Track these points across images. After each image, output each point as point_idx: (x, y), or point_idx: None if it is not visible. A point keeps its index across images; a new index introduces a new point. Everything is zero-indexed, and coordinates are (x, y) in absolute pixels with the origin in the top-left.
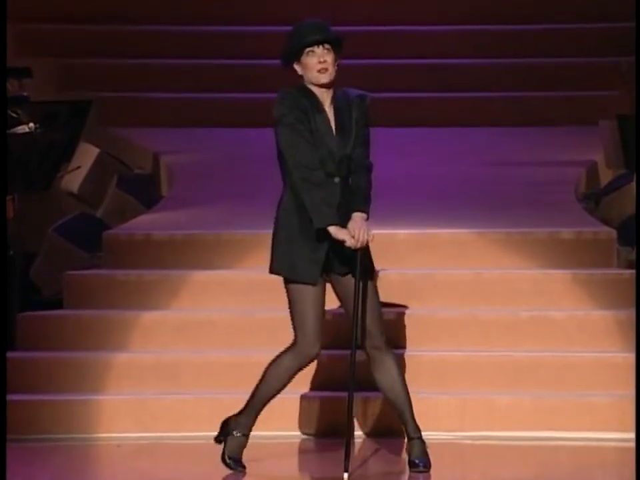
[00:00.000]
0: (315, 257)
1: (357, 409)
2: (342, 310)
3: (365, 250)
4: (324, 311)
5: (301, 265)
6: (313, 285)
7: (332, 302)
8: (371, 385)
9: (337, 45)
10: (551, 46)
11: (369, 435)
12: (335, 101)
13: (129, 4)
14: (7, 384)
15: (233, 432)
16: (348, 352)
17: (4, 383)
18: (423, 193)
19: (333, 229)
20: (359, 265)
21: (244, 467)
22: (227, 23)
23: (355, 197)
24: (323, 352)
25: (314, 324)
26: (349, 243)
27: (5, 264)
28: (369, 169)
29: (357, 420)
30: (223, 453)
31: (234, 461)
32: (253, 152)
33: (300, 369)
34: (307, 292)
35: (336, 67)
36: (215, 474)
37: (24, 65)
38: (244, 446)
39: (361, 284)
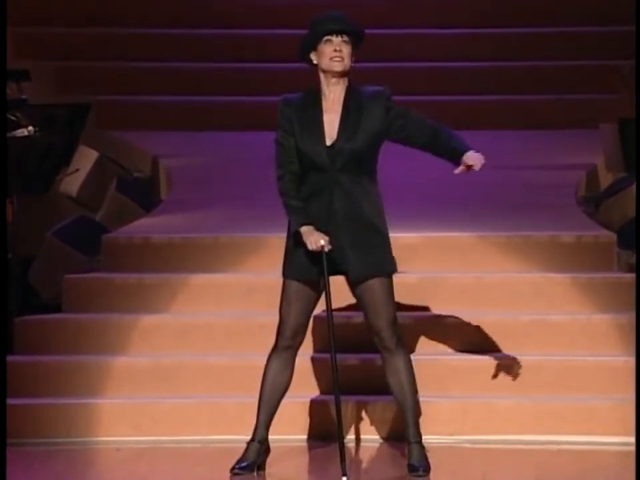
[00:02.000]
0: (299, 255)
1: (357, 413)
2: (344, 313)
3: (381, 251)
4: (309, 310)
5: (288, 261)
6: (294, 280)
7: (338, 304)
8: (370, 389)
9: (356, 38)
10: (552, 49)
11: (369, 439)
12: (348, 95)
13: (128, 7)
14: (5, 388)
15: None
16: (350, 355)
17: (4, 386)
18: (424, 196)
19: (302, 230)
20: (325, 265)
21: (251, 471)
22: (225, 27)
23: (452, 145)
24: (325, 355)
25: (293, 321)
26: (308, 246)
27: (6, 267)
28: (440, 128)
29: (358, 424)
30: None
31: (240, 467)
32: (252, 155)
33: (287, 365)
34: (291, 288)
35: (353, 61)
36: (213, 477)
37: (23, 67)
38: (257, 452)
39: (375, 285)
